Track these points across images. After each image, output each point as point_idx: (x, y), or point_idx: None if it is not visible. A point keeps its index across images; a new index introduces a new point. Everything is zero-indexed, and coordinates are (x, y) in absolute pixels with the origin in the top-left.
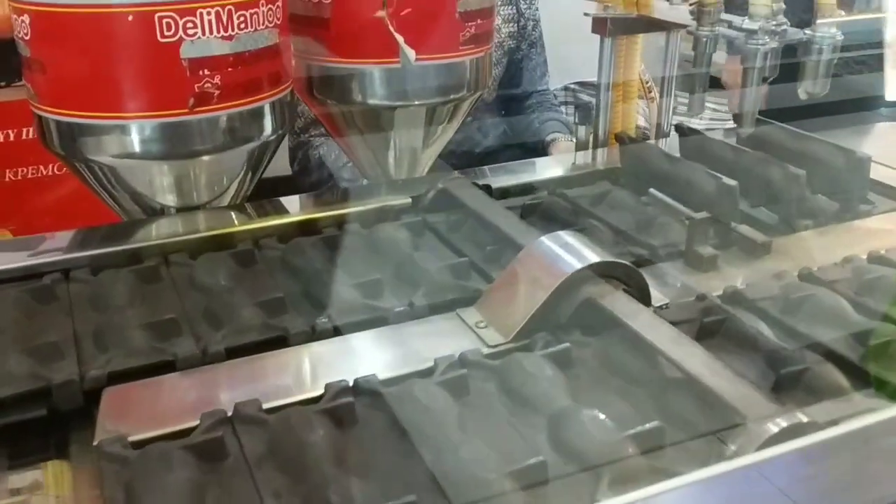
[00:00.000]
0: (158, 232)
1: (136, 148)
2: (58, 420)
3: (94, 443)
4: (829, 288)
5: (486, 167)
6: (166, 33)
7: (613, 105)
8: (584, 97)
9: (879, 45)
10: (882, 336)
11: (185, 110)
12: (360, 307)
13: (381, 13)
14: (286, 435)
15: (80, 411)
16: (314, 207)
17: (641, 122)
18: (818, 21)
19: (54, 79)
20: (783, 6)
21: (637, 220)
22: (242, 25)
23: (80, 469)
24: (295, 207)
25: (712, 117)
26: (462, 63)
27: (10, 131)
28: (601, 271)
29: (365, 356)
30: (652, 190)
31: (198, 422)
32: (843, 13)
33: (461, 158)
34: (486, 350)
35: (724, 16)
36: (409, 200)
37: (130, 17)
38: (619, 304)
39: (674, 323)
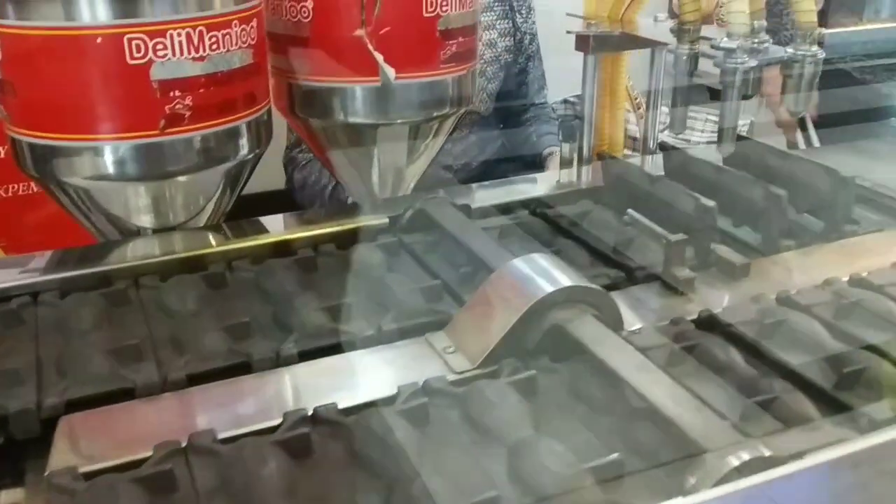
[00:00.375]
0: (133, 253)
1: (110, 169)
2: (15, 448)
3: (45, 473)
4: (807, 313)
5: (471, 185)
6: (136, 55)
7: (598, 122)
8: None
9: None
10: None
11: (157, 132)
12: (327, 331)
13: (359, 32)
14: (238, 467)
15: (39, 439)
16: (291, 228)
17: (638, 134)
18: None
19: (25, 101)
20: (765, 24)
21: (616, 240)
22: (214, 46)
23: (35, 499)
24: (274, 227)
25: (714, 129)
26: (444, 81)
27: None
28: (571, 296)
29: (328, 383)
30: (630, 210)
31: (151, 452)
32: (822, 30)
33: (458, 172)
34: (451, 377)
35: (704, 33)
36: (387, 220)
37: (99, 40)
38: (587, 329)
39: (645, 348)
